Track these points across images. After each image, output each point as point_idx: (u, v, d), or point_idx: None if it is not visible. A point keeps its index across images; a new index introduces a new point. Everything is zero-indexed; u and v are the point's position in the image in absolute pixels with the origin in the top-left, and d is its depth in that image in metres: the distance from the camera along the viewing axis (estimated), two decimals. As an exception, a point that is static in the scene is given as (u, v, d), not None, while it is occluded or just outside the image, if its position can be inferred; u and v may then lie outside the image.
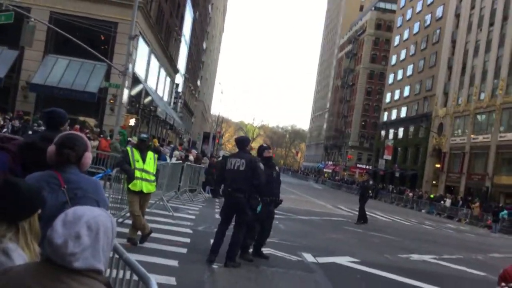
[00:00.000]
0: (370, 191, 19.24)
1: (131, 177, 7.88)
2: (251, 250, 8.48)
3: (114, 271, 2.79)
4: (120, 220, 9.69)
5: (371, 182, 20.44)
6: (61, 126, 4.66)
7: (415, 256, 11.71)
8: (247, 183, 7.57)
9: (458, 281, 9.38)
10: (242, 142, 8.08)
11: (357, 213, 18.33)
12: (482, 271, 11.02)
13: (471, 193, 44.03)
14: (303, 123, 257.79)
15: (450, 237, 20.38)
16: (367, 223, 17.86)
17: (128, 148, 8.46)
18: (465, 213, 34.46)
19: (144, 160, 8.13)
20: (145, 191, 8.05)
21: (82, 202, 2.76)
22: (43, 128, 7.70)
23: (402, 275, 8.93)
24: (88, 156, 3.04)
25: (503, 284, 2.15)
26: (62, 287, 1.84)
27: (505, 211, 30.53)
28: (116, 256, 2.75)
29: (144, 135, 8.85)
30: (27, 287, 1.85)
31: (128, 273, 2.60)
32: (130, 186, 7.93)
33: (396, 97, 69.37)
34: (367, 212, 18.88)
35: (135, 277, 2.46)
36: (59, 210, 2.78)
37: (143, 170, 8.04)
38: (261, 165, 7.63)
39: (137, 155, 8.12)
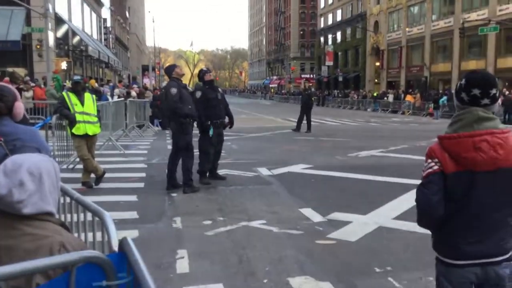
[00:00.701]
0: (313, 98, 19.39)
1: (72, 122, 7.73)
2: (207, 174, 8.66)
3: (69, 215, 2.83)
4: (71, 166, 9.59)
5: (312, 90, 20.70)
6: None
7: (363, 153, 12.31)
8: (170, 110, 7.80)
9: (404, 168, 9.99)
10: (166, 71, 8.22)
11: (305, 123, 18.65)
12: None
13: (411, 85, 45.63)
14: (242, 42, 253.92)
15: (396, 130, 21.37)
16: (299, 131, 18.20)
17: (64, 93, 8.20)
18: (407, 105, 35.91)
19: (82, 103, 7.94)
20: (90, 133, 7.94)
21: (23, 151, 2.73)
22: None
23: (352, 172, 9.45)
24: (19, 106, 2.96)
25: (429, 160, 2.33)
26: (16, 233, 1.88)
27: (445, 97, 32.02)
28: (68, 200, 2.78)
29: (78, 77, 8.56)
30: (-20, 240, 1.88)
31: (82, 215, 2.65)
32: (73, 130, 7.80)
33: (330, 1, 68.88)
34: (313, 120, 19.32)
35: (89, 218, 2.51)
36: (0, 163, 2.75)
37: (83, 113, 7.87)
38: (173, 90, 7.63)
39: (74, 98, 7.90)
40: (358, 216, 6.34)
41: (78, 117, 7.77)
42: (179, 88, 7.68)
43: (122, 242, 1.70)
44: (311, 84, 21.15)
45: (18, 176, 1.99)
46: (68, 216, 2.84)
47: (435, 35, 42.85)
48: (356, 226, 5.96)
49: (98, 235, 2.42)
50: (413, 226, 5.87)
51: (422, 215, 2.35)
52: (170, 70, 8.07)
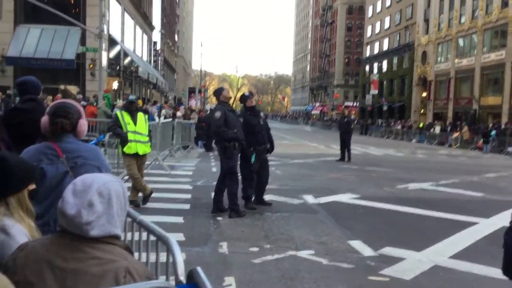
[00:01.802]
0: (352, 126, 18.71)
1: (125, 141, 7.82)
2: (253, 199, 8.55)
3: (129, 234, 2.77)
4: (119, 184, 9.67)
5: (352, 116, 20.12)
6: (36, 95, 4.53)
7: (412, 185, 11.92)
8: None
9: (457, 204, 9.59)
10: (215, 94, 8.26)
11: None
12: (479, 192, 11.27)
13: (459, 117, 44.47)
14: (286, 67, 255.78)
15: (444, 162, 20.72)
16: (344, 161, 17.57)
17: (118, 112, 8.32)
18: (455, 137, 34.91)
19: (135, 122, 8.03)
20: (140, 153, 8.01)
21: (84, 169, 2.71)
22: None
23: (402, 205, 9.12)
24: (83, 124, 2.96)
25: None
26: (83, 257, 1.82)
27: (494, 131, 30.99)
28: (129, 219, 2.72)
29: (133, 97, 8.70)
30: (47, 261, 1.82)
31: (144, 235, 2.58)
32: (125, 149, 7.89)
33: (377, 30, 68.58)
34: (356, 149, 18.84)
35: (152, 238, 2.44)
36: (61, 181, 2.74)
37: (135, 132, 7.97)
38: (217, 113, 7.62)
39: (127, 117, 8.01)
40: (412, 253, 6.05)
41: (130, 136, 7.85)
42: (224, 112, 7.65)
43: (193, 273, 1.60)
44: (351, 111, 20.64)
45: (88, 196, 1.93)
46: (129, 234, 2.78)
47: (485, 67, 41.77)
48: (410, 263, 5.67)
49: (152, 256, 2.33)
50: (470, 267, 5.57)
51: (509, 262, 2.14)
52: (218, 93, 8.08)
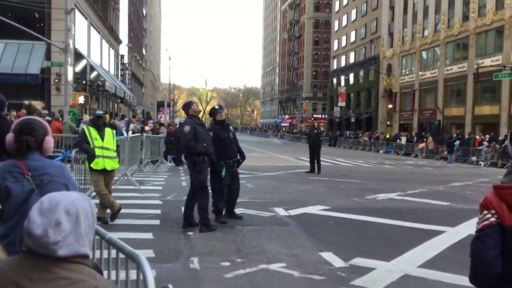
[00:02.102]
0: (321, 138, 18.86)
1: (92, 156, 7.69)
2: (224, 213, 8.50)
3: (98, 252, 2.72)
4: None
5: (321, 129, 20.42)
6: (0, 111, 4.43)
7: (381, 196, 12.10)
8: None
9: (425, 213, 9.77)
10: (184, 108, 8.29)
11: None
12: (445, 201, 11.52)
13: (424, 128, 45.54)
14: (255, 80, 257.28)
15: (411, 173, 21.12)
16: (314, 172, 17.72)
17: (84, 127, 8.18)
18: (420, 148, 35.68)
19: (102, 138, 7.92)
20: (108, 168, 7.89)
21: (50, 187, 2.66)
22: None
23: (371, 215, 9.23)
24: (49, 140, 2.90)
25: (485, 211, 2.19)
26: (50, 277, 1.77)
27: (458, 141, 31.83)
28: (98, 237, 2.67)
29: (100, 111, 8.58)
30: (13, 283, 1.78)
31: (113, 253, 2.54)
32: (92, 165, 7.75)
33: (344, 43, 69.86)
34: (326, 160, 19.04)
35: (121, 256, 2.40)
36: (27, 199, 2.68)
37: (103, 148, 7.85)
38: (186, 128, 7.61)
39: (94, 133, 7.89)
40: (382, 263, 6.11)
41: (98, 152, 7.73)
42: (193, 125, 7.62)
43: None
44: (320, 123, 20.92)
45: (55, 215, 1.89)
46: (97, 252, 2.73)
47: (448, 79, 43.02)
48: (381, 273, 5.73)
49: (122, 274, 2.30)
50: (439, 275, 5.67)
51: (476, 272, 2.19)
52: (187, 106, 8.06)
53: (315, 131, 19.19)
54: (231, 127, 8.99)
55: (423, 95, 47.88)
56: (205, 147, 7.66)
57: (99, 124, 8.02)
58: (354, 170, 21.29)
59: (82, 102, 24.29)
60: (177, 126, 25.11)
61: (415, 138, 38.88)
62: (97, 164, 7.74)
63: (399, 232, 8.01)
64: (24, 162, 2.75)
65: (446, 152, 31.50)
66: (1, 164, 2.77)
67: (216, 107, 8.97)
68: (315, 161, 18.01)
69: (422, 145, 35.77)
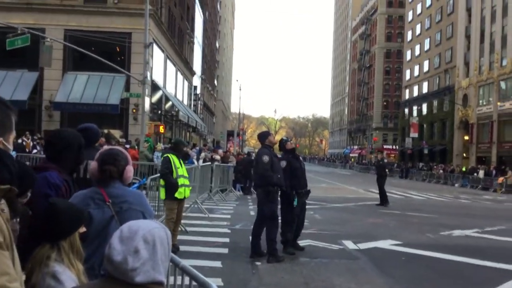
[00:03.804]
0: (386, 170, 18.55)
1: (176, 188, 7.88)
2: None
3: (172, 279, 2.80)
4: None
5: (385, 160, 19.99)
6: (95, 142, 4.71)
7: (457, 232, 11.52)
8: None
9: (504, 252, 9.19)
10: (260, 137, 8.31)
11: (390, 195, 17.97)
12: (528, 240, 10.78)
13: (504, 161, 43.11)
14: (324, 110, 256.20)
15: (489, 208, 20.00)
16: (388, 204, 17.38)
17: (169, 156, 8.26)
18: (500, 182, 33.73)
19: (181, 166, 8.17)
20: (187, 196, 8.14)
21: (128, 214, 2.79)
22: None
23: (447, 253, 8.80)
24: (130, 170, 3.06)
25: None
26: (128, 303, 1.85)
27: (542, 176, 29.84)
28: (171, 264, 2.76)
29: (179, 138, 8.89)
30: (94, 307, 1.87)
31: (186, 280, 2.61)
32: (176, 195, 7.93)
33: (416, 73, 68.29)
34: (397, 193, 18.54)
35: (193, 283, 2.46)
36: (107, 225, 2.83)
37: (183, 176, 8.07)
38: (265, 157, 7.65)
39: (177, 161, 8.10)
40: (458, 304, 5.80)
41: (181, 181, 7.93)
42: (271, 156, 7.72)
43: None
44: (384, 155, 20.47)
45: (134, 243, 1.98)
46: (171, 278, 2.81)
47: (530, 110, 40.69)
48: (456, 315, 5.44)
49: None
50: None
51: None
52: (263, 137, 8.14)
53: (380, 162, 19.00)
54: (300, 158, 9.07)
55: (502, 127, 45.50)
56: (279, 178, 7.76)
57: (180, 149, 8.25)
58: (427, 203, 20.48)
59: (163, 132, 25.31)
60: (246, 155, 25.44)
61: (494, 172, 36.85)
62: (181, 193, 7.93)
63: (476, 271, 7.57)
64: (105, 189, 2.91)
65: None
66: (84, 191, 2.95)
67: (284, 138, 9.11)
68: (380, 193, 17.67)
69: (501, 179, 33.81)
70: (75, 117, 23.76)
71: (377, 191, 18.04)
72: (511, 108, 43.31)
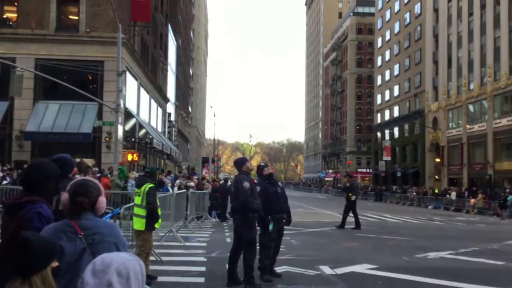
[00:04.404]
0: (350, 194, 18.60)
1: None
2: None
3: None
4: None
5: (355, 183, 20.23)
6: (70, 173, 4.63)
7: (432, 254, 11.63)
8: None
9: (479, 274, 9.30)
10: (237, 164, 8.29)
11: (365, 218, 18.11)
12: (501, 261, 10.95)
13: (475, 182, 44.01)
14: (298, 135, 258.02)
15: (462, 230, 20.30)
16: (343, 228, 17.54)
17: (153, 186, 8.25)
18: (472, 204, 34.34)
19: None
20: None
21: (101, 246, 2.74)
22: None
23: (423, 275, 8.85)
24: (102, 201, 3.01)
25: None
26: None
27: (511, 196, 30.51)
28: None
29: (153, 167, 8.82)
30: None
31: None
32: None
33: (387, 97, 69.75)
34: (372, 216, 18.68)
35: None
36: (79, 258, 2.76)
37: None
38: (246, 184, 7.62)
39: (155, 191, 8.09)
40: (435, 327, 5.82)
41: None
42: (250, 183, 7.73)
43: None
44: (350, 179, 20.78)
45: (107, 276, 1.95)
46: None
47: (498, 132, 41.85)
48: (434, 338, 5.44)
49: None
50: None
51: None
52: (240, 163, 8.13)
53: (347, 185, 19.40)
54: (279, 183, 9.08)
55: (472, 149, 46.61)
56: (259, 204, 7.75)
57: (157, 179, 8.21)
58: (401, 226, 20.67)
59: (137, 160, 25.04)
60: (222, 182, 25.34)
61: (466, 193, 37.54)
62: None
63: (452, 294, 7.63)
64: (77, 221, 2.85)
65: (499, 208, 30.17)
66: (55, 224, 2.88)
67: (262, 164, 9.16)
68: (353, 215, 17.93)
69: (473, 200, 34.45)
70: (46, 147, 23.37)
71: (352, 215, 18.14)
72: (479, 130, 44.47)
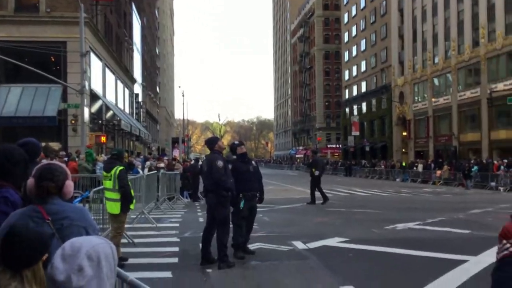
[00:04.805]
0: (313, 169, 18.56)
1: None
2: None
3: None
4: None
5: (319, 158, 20.06)
6: (37, 157, 4.52)
7: (400, 226, 11.93)
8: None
9: (445, 243, 9.60)
10: (208, 143, 8.22)
11: (336, 193, 18.38)
12: (466, 229, 11.32)
13: (440, 154, 45.15)
14: (268, 113, 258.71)
15: (429, 201, 20.85)
16: (314, 204, 17.67)
17: (123, 168, 8.19)
18: (438, 175, 35.27)
19: None
20: None
21: (70, 231, 2.68)
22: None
23: (391, 246, 9.09)
24: (69, 185, 2.95)
25: (504, 241, 2.18)
26: (73, 324, 1.79)
27: (476, 167, 31.44)
28: (118, 280, 2.69)
29: (122, 149, 8.69)
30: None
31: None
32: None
33: (354, 73, 70.36)
34: (342, 190, 18.90)
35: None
36: (47, 244, 2.70)
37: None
38: (219, 163, 7.61)
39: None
40: (405, 295, 6.00)
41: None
42: (224, 161, 7.72)
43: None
44: (316, 155, 20.75)
45: (77, 260, 1.92)
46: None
47: (462, 105, 42.88)
48: (404, 306, 5.62)
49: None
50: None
51: None
52: (213, 142, 8.08)
53: (310, 161, 19.42)
54: (253, 162, 9.05)
55: (438, 122, 47.67)
56: (232, 183, 7.76)
57: (123, 161, 8.12)
58: (371, 199, 21.09)
59: (105, 142, 24.64)
60: (193, 162, 25.23)
61: (432, 165, 38.50)
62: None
63: (421, 263, 7.86)
64: (44, 206, 2.79)
65: (464, 179, 31.08)
66: (22, 210, 2.81)
67: (236, 142, 9.10)
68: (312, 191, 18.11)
69: (439, 172, 35.38)
70: (10, 132, 22.78)
71: (326, 190, 18.33)
72: (444, 103, 45.45)
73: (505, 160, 31.10)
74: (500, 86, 36.15)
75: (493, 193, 26.62)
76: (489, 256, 7.62)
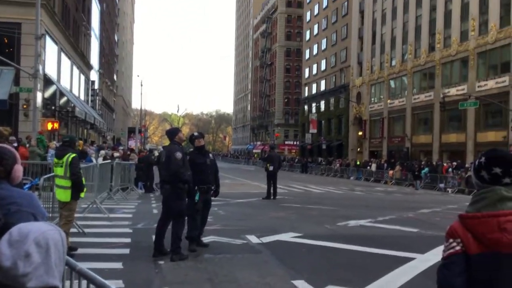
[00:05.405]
0: (268, 164, 18.61)
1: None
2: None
3: (68, 283, 2.66)
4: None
5: (274, 154, 20.18)
6: None
7: (352, 222, 12.19)
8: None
9: (395, 240, 9.88)
10: (169, 134, 8.17)
11: (291, 189, 18.57)
12: (415, 228, 11.69)
13: (393, 155, 46.38)
14: (227, 107, 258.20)
15: (381, 199, 21.39)
16: (269, 198, 17.86)
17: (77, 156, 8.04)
18: (390, 175, 36.24)
19: None
20: None
21: (17, 217, 2.59)
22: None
23: (343, 242, 9.28)
24: (18, 169, 2.84)
25: (451, 240, 2.25)
26: (19, 311, 1.74)
27: (426, 169, 32.48)
28: (68, 268, 2.62)
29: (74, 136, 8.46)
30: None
31: (84, 283, 2.49)
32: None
33: (314, 71, 71.13)
34: (298, 187, 19.10)
35: (92, 286, 2.35)
36: (-7, 229, 2.61)
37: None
38: (178, 154, 7.55)
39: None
40: (354, 290, 6.14)
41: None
42: (182, 153, 7.64)
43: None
44: (271, 150, 20.84)
45: (25, 246, 1.86)
46: (67, 282, 2.66)
47: (416, 107, 44.13)
48: (352, 301, 5.74)
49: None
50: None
51: None
52: (173, 133, 7.99)
53: (265, 156, 19.48)
54: (210, 155, 9.00)
55: (392, 123, 48.91)
56: (190, 175, 7.69)
57: (75, 148, 7.95)
58: (325, 196, 21.44)
59: (57, 129, 23.91)
60: (148, 152, 24.89)
61: (385, 165, 39.52)
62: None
63: (370, 259, 8.06)
64: (-10, 191, 2.68)
65: (413, 179, 32.03)
66: (-33, 194, 2.70)
67: (196, 133, 9.01)
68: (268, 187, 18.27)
69: (391, 172, 36.36)
70: (-43, 114, 21.78)
71: (282, 186, 18.48)
72: (399, 105, 46.67)
73: (454, 163, 32.32)
74: (452, 91, 37.42)
75: (441, 194, 27.59)
76: (435, 255, 7.90)
